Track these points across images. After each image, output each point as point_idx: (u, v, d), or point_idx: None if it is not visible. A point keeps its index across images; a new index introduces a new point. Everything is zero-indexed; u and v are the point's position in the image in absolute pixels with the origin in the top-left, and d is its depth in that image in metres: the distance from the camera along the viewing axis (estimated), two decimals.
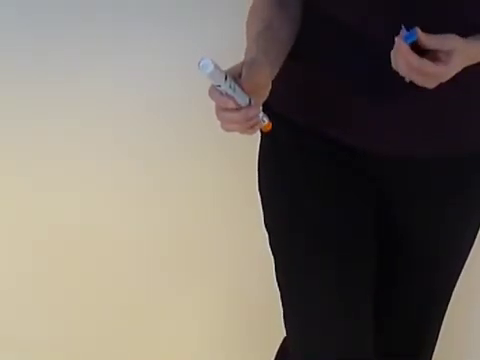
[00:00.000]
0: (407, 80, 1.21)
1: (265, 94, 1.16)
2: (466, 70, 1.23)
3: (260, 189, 1.44)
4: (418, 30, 1.16)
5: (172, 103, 1.80)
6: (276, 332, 1.56)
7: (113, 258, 1.91)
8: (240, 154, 1.70)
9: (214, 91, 1.10)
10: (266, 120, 1.19)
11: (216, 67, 1.08)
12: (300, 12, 1.34)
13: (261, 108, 1.17)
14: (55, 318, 1.97)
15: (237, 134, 1.17)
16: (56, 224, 1.88)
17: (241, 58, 1.19)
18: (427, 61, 1.17)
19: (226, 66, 1.12)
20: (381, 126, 1.34)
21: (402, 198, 1.44)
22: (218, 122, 1.17)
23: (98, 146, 1.83)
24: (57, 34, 1.74)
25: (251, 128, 1.15)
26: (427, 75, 1.18)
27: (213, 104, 1.13)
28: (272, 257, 1.44)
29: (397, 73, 1.21)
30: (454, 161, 1.39)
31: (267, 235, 1.45)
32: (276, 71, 1.23)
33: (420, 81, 1.20)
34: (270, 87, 1.17)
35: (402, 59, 1.17)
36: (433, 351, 1.59)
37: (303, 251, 1.38)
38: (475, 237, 1.50)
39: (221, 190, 1.88)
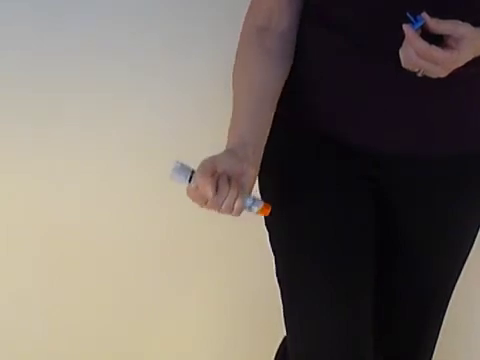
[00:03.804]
0: (420, 74, 1.21)
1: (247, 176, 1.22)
2: (467, 68, 1.23)
3: (260, 188, 1.44)
4: (425, 14, 1.16)
5: (172, 104, 1.80)
6: (277, 331, 1.56)
7: (113, 258, 1.91)
8: None
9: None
10: (257, 207, 1.20)
11: (181, 167, 1.13)
12: (291, 62, 1.36)
13: (251, 195, 1.21)
14: (55, 318, 1.97)
15: None
16: (56, 224, 1.88)
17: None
18: (436, 47, 1.16)
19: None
20: (381, 126, 1.34)
21: (402, 198, 1.44)
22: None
23: (98, 146, 1.83)
24: (57, 34, 1.74)
25: (221, 210, 1.20)
26: (436, 62, 1.17)
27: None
28: (272, 255, 1.44)
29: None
30: (455, 161, 1.39)
31: (267, 234, 1.45)
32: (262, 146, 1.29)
33: (430, 69, 1.19)
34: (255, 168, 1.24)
35: (411, 46, 1.17)
36: (433, 352, 1.59)
37: (303, 250, 1.38)
38: (475, 237, 1.50)
39: None
